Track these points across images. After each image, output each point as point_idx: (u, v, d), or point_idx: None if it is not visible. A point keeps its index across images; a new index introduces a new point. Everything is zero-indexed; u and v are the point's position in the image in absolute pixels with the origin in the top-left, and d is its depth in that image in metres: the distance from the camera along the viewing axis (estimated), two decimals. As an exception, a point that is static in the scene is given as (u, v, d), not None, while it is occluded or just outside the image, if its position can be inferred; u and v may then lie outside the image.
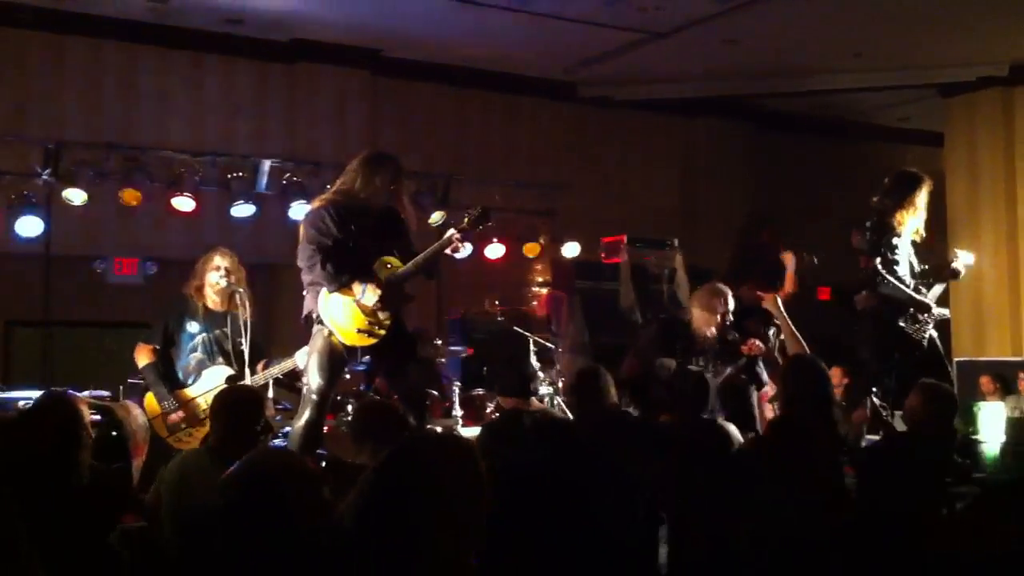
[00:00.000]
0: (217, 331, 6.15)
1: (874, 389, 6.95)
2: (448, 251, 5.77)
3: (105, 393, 6.79)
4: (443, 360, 8.71)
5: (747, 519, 3.75)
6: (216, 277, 6.13)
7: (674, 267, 10.20)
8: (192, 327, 6.14)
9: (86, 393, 6.39)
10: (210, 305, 6.16)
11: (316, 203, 5.80)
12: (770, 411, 7.46)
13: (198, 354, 6.13)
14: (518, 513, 3.35)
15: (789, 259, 7.20)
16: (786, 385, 5.57)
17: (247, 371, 5.76)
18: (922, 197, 7.09)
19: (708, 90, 12.52)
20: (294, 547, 2.16)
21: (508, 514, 3.11)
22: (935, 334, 7.15)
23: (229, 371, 6.04)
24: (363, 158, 5.82)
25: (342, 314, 5.55)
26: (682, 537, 4.22)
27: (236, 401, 4.34)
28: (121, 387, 6.77)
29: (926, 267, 7.28)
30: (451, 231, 5.74)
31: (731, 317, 6.87)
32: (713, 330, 6.66)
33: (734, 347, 6.81)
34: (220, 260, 6.18)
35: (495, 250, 10.40)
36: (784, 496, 3.84)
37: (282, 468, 2.33)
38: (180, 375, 6.13)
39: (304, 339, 5.84)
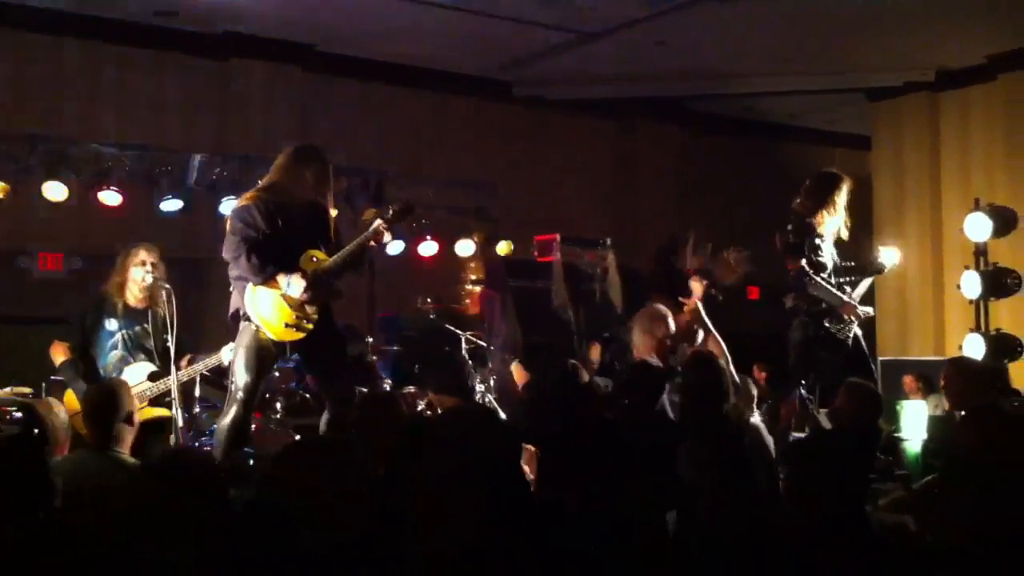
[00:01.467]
0: (138, 328, 6.05)
1: (803, 384, 7.07)
2: (373, 243, 5.75)
3: (27, 390, 6.66)
4: (374, 358, 8.67)
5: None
6: (141, 273, 6.03)
7: (606, 266, 10.27)
8: (111, 325, 6.03)
9: (7, 389, 6.27)
10: (131, 302, 6.06)
11: (243, 198, 5.74)
12: None
13: (119, 351, 6.02)
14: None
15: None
16: (684, 379, 5.62)
17: (172, 367, 5.68)
18: (842, 197, 7.21)
19: (640, 91, 12.60)
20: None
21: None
22: (860, 333, 7.27)
23: (151, 367, 5.95)
24: (290, 152, 5.79)
25: (269, 308, 5.50)
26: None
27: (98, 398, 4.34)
28: (44, 384, 6.64)
29: (851, 263, 7.40)
30: (376, 222, 5.73)
31: (670, 341, 6.88)
32: (654, 356, 6.57)
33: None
34: (145, 255, 6.08)
35: (428, 248, 10.38)
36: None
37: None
38: (102, 373, 6.02)
39: (233, 336, 5.78)
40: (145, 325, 6.01)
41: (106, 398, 4.26)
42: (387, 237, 5.81)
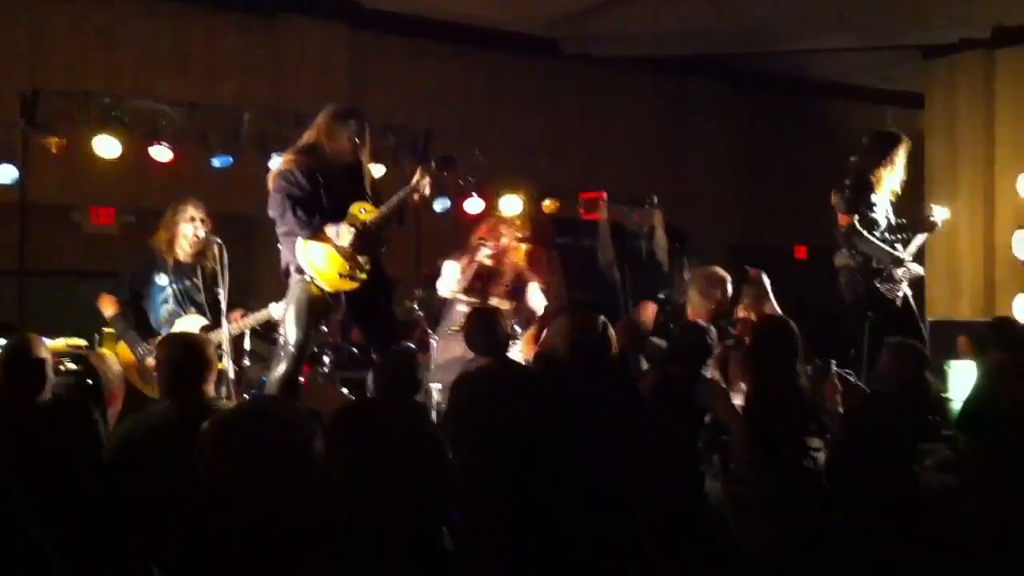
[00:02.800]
0: (187, 282, 6.16)
1: (832, 361, 7.01)
2: (416, 196, 5.79)
3: (81, 342, 6.78)
4: (421, 313, 8.70)
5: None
6: (191, 229, 6.13)
7: (653, 225, 10.22)
8: (161, 279, 6.15)
9: (61, 341, 6.39)
10: (180, 257, 6.16)
11: (284, 160, 5.80)
12: None
13: (169, 305, 6.14)
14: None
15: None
16: (757, 342, 5.61)
17: (224, 321, 5.76)
18: (901, 156, 7.15)
19: (689, 49, 12.47)
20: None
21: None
22: (909, 292, 7.22)
23: (203, 320, 6.05)
24: (329, 112, 5.82)
25: (322, 260, 5.58)
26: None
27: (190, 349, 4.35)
28: (96, 336, 6.75)
29: (903, 221, 7.34)
30: (417, 175, 5.78)
31: (728, 304, 6.88)
32: (707, 319, 6.55)
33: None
34: (194, 211, 6.18)
35: (474, 205, 10.39)
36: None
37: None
38: (154, 327, 6.14)
39: (283, 291, 5.86)
40: (195, 279, 6.11)
41: (198, 349, 4.29)
42: (427, 187, 5.84)
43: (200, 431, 2.12)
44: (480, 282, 7.22)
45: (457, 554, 2.44)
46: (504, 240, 7.34)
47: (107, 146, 8.47)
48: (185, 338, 4.62)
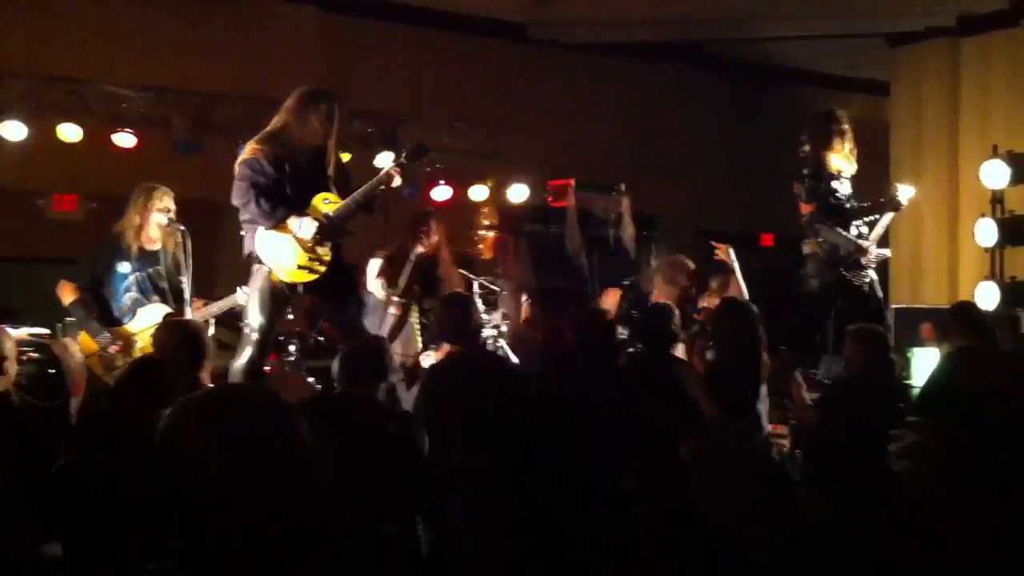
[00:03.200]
0: (151, 269, 6.10)
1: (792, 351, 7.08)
2: (385, 186, 5.77)
3: (43, 330, 6.71)
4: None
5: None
6: (162, 217, 6.08)
7: (621, 212, 10.24)
8: (124, 267, 6.09)
9: (23, 330, 6.32)
10: (147, 246, 6.11)
11: (250, 147, 5.75)
12: None
13: (133, 293, 6.08)
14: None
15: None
16: (715, 327, 5.66)
17: (187, 309, 5.72)
18: (842, 130, 7.20)
19: (656, 35, 12.47)
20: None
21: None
22: (876, 278, 7.28)
23: (166, 309, 6.00)
24: (299, 95, 5.77)
25: (281, 251, 5.55)
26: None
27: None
28: (59, 325, 6.69)
29: (868, 204, 7.40)
30: (389, 164, 5.77)
31: (693, 291, 6.93)
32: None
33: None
34: (167, 201, 6.14)
35: (442, 192, 10.38)
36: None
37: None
38: (116, 315, 6.08)
39: (248, 278, 5.83)
40: (158, 267, 6.06)
41: (195, 337, 4.26)
42: (398, 180, 5.82)
43: (165, 417, 1.97)
44: (420, 288, 7.19)
45: (438, 544, 2.42)
46: (435, 238, 7.30)
47: (69, 131, 8.39)
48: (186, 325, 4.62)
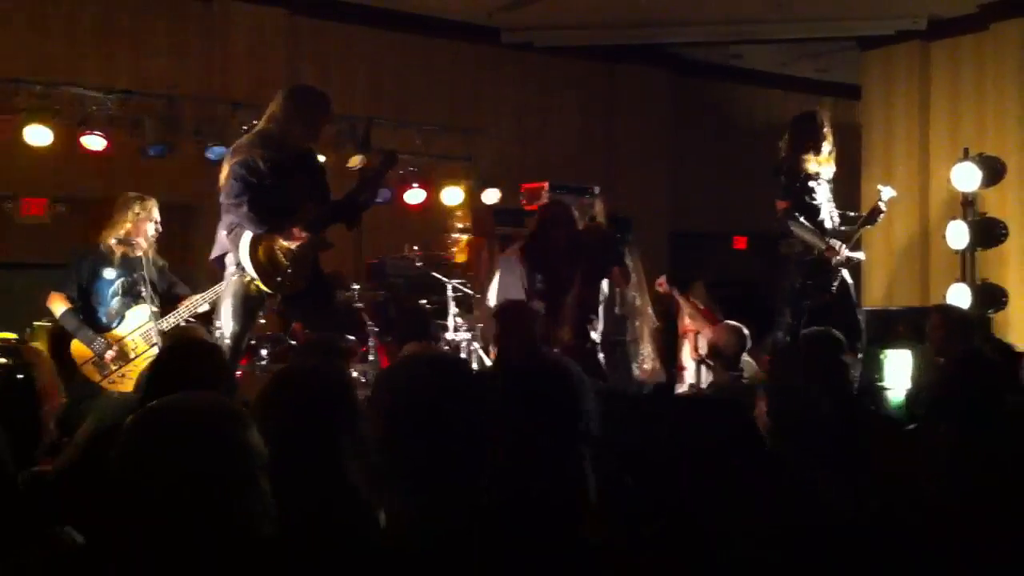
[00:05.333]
0: (135, 274, 6.11)
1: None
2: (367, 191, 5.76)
3: (11, 335, 6.65)
4: (361, 305, 8.65)
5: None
6: (153, 229, 6.14)
7: (595, 214, 10.23)
8: (109, 274, 6.12)
9: (-9, 335, 6.27)
10: (129, 252, 6.10)
11: (242, 147, 5.61)
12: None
13: (120, 298, 6.12)
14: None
15: None
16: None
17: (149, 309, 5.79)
18: (824, 133, 7.24)
19: (630, 37, 12.49)
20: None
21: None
22: (849, 279, 7.31)
23: (152, 309, 6.02)
24: (289, 93, 5.66)
25: (264, 260, 5.49)
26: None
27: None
28: (28, 330, 6.62)
29: (860, 215, 7.45)
30: (360, 171, 5.75)
31: None
32: None
33: None
34: (157, 213, 6.18)
35: (415, 195, 10.36)
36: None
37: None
38: (104, 320, 6.10)
39: (216, 279, 5.81)
40: (141, 272, 6.06)
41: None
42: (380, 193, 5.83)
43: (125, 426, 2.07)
44: None
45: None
46: None
47: (37, 135, 8.31)
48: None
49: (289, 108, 5.55)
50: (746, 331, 6.32)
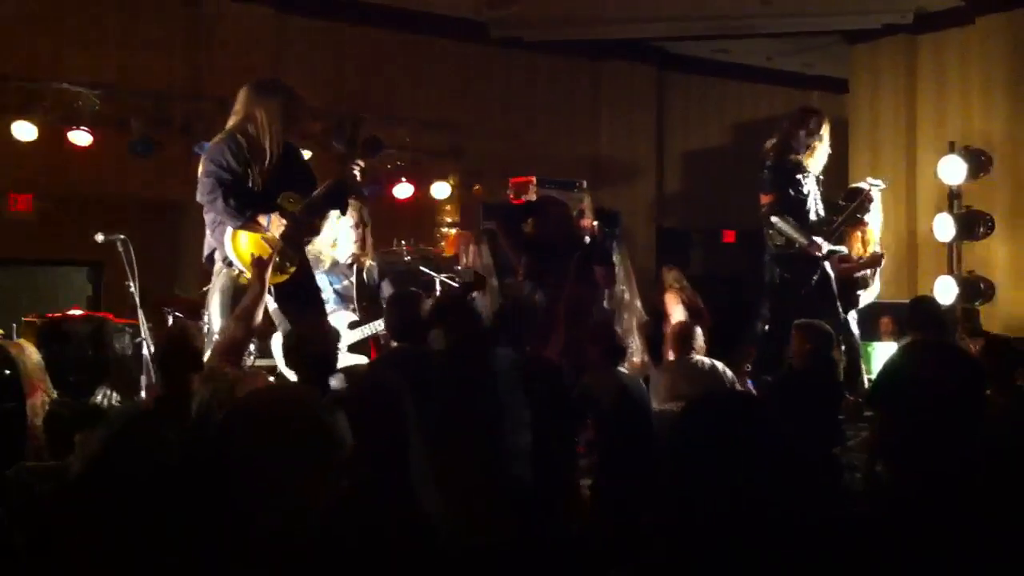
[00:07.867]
0: None
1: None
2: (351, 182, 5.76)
3: (-2, 331, 6.64)
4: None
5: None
6: None
7: (582, 208, 10.23)
8: None
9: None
10: None
11: (214, 142, 5.63)
12: None
13: None
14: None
15: None
16: None
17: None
18: (822, 130, 7.24)
19: (617, 33, 12.49)
20: None
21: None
22: (831, 272, 7.31)
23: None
24: (249, 89, 5.63)
25: (251, 252, 5.46)
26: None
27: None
28: (14, 325, 6.60)
29: (846, 204, 7.45)
30: (346, 169, 5.73)
31: None
32: None
33: None
34: None
35: (403, 190, 10.36)
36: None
37: None
38: None
39: (207, 278, 5.79)
40: None
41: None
42: (357, 173, 5.78)
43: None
44: None
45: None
46: None
47: (23, 130, 8.30)
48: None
49: (250, 103, 5.53)
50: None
